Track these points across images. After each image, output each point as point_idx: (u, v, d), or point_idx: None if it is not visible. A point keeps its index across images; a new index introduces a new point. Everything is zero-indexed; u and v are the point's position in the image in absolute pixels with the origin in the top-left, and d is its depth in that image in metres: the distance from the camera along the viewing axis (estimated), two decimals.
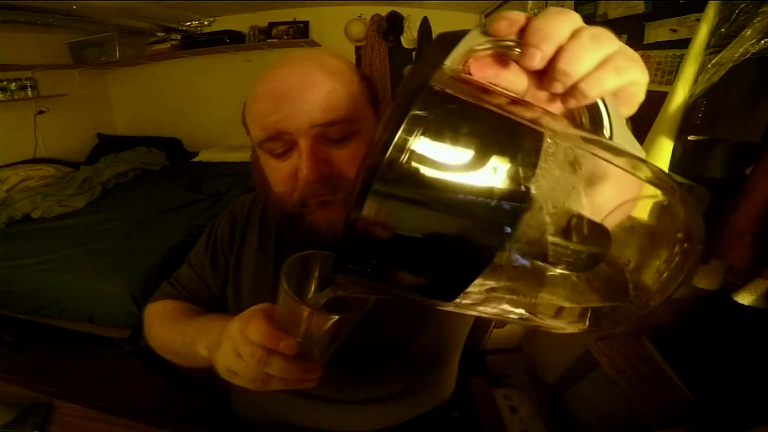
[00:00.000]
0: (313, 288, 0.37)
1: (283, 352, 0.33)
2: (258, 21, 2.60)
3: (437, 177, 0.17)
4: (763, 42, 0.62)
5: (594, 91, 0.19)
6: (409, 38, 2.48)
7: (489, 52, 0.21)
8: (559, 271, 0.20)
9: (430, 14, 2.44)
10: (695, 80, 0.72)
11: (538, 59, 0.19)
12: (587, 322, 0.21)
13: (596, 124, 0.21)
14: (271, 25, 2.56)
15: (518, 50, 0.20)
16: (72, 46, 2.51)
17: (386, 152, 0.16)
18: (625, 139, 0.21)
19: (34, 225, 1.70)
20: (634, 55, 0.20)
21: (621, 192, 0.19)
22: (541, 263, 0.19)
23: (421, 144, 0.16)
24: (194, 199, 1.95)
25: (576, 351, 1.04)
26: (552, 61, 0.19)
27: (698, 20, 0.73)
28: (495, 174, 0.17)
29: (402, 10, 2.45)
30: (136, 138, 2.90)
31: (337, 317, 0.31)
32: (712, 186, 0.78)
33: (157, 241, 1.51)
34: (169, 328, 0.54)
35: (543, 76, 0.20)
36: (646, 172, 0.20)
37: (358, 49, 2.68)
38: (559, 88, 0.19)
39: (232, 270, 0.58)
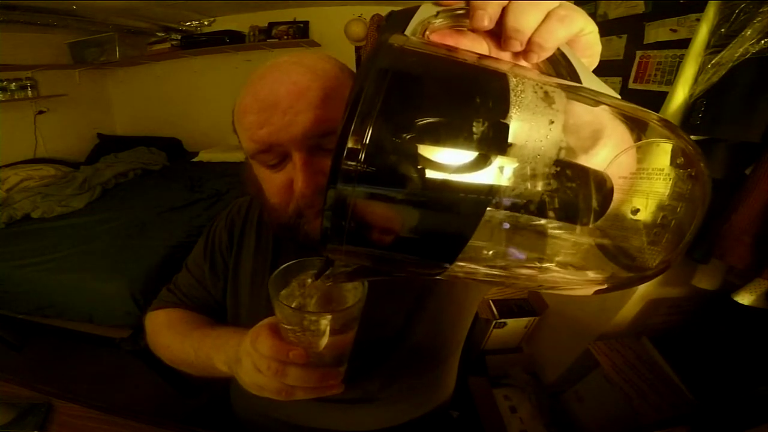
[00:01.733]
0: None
1: (294, 361, 0.33)
2: (258, 21, 2.60)
3: (410, 132, 0.16)
4: (763, 42, 0.62)
5: (549, 42, 0.20)
6: None
7: (445, 23, 0.21)
8: (555, 225, 0.18)
9: None
10: (695, 80, 0.72)
11: (486, 20, 0.20)
12: (599, 283, 0.20)
13: (564, 77, 0.21)
14: (271, 25, 2.56)
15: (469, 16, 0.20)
16: (72, 46, 2.51)
17: (355, 111, 0.16)
18: (597, 86, 0.21)
19: (34, 225, 1.70)
20: (575, 7, 0.21)
21: (614, 142, 0.19)
22: (537, 218, 0.18)
23: (390, 99, 0.16)
24: (194, 199, 1.95)
25: (576, 351, 1.04)
26: (501, 21, 0.20)
27: (698, 20, 0.73)
28: (467, 120, 0.17)
29: None
30: (136, 138, 2.90)
31: (329, 315, 0.32)
32: (712, 186, 0.78)
33: (157, 241, 1.51)
34: (181, 342, 0.54)
35: (498, 37, 0.21)
36: (650, 116, 0.20)
37: (358, 49, 2.68)
38: (516, 45, 0.21)
39: (231, 273, 0.58)
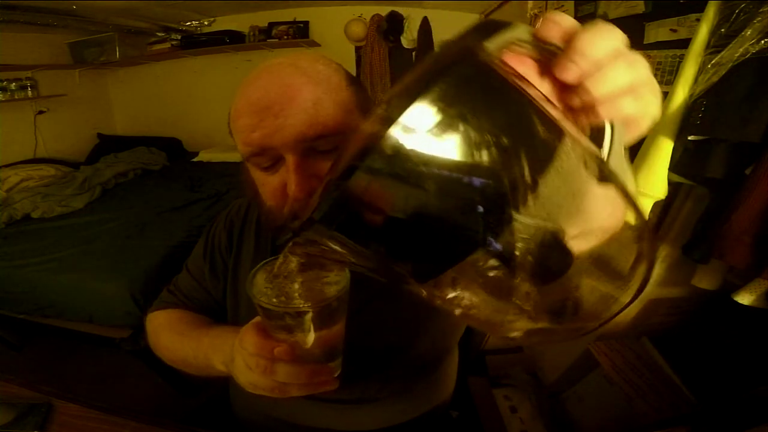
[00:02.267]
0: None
1: (281, 357, 0.33)
2: (258, 21, 2.60)
3: (445, 152, 0.15)
4: (763, 42, 0.62)
5: (608, 114, 0.19)
6: (409, 38, 2.47)
7: (526, 51, 0.20)
8: (522, 278, 0.19)
9: (430, 14, 2.43)
10: (695, 80, 0.72)
11: (574, 75, 0.18)
12: (524, 333, 0.21)
13: (596, 143, 0.20)
14: (271, 25, 2.56)
15: (556, 58, 0.19)
16: (72, 46, 2.51)
17: (409, 105, 0.15)
18: (620, 166, 0.21)
19: (34, 225, 1.70)
20: (658, 90, 0.20)
21: (599, 217, 0.19)
22: (509, 267, 0.18)
23: (465, 107, 0.15)
24: (194, 199, 1.95)
25: (576, 351, 1.04)
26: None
27: (698, 20, 0.73)
28: (505, 158, 0.16)
29: (402, 10, 2.45)
30: (136, 138, 2.90)
31: (309, 310, 0.31)
32: (712, 186, 0.78)
33: (157, 241, 1.51)
34: (180, 342, 0.54)
35: (564, 85, 0.20)
36: (630, 207, 0.20)
37: (358, 49, 2.68)
38: (576, 102, 0.19)
39: (230, 274, 0.58)
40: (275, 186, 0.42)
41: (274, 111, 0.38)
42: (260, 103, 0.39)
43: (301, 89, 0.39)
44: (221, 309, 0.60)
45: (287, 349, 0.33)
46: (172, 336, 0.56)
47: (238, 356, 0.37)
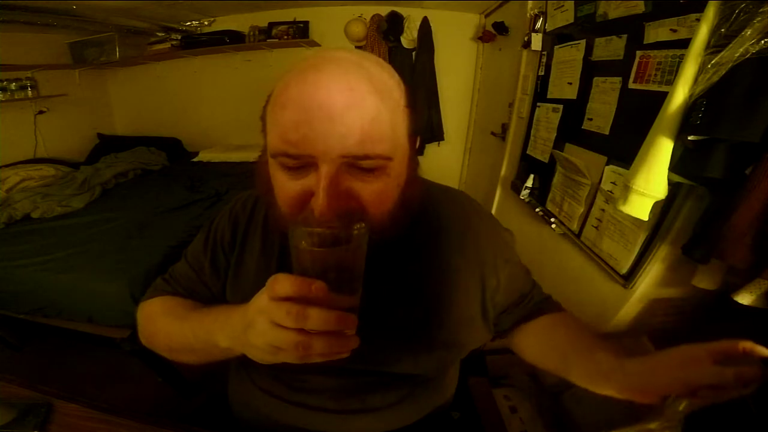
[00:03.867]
0: None
1: (317, 294, 0.31)
2: (258, 21, 2.60)
3: None
4: (763, 42, 0.62)
5: None
6: (409, 38, 2.47)
7: None
8: None
9: (430, 14, 2.43)
10: (695, 80, 0.72)
11: None
12: None
13: None
14: (271, 25, 2.56)
15: None
16: (72, 46, 2.51)
17: None
18: None
19: (34, 225, 1.70)
20: None
21: None
22: None
23: None
24: (194, 199, 1.95)
25: None
26: None
27: (698, 20, 0.72)
28: None
29: (402, 10, 2.45)
30: (136, 138, 2.90)
31: (363, 228, 0.33)
32: (712, 186, 0.78)
33: (157, 241, 1.51)
34: (179, 325, 0.51)
35: None
36: None
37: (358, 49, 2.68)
38: None
39: (232, 272, 0.56)
40: (296, 192, 0.38)
41: (328, 114, 0.34)
42: (314, 100, 0.34)
43: (365, 98, 0.35)
44: (218, 302, 0.58)
45: (322, 285, 0.31)
46: (170, 321, 0.53)
47: (259, 316, 0.34)
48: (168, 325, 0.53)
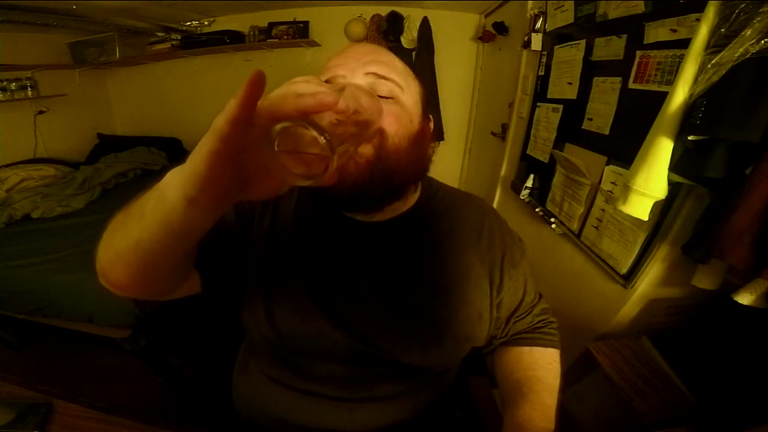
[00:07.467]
0: None
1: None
2: (258, 21, 2.60)
3: None
4: (763, 42, 0.62)
5: None
6: (409, 38, 2.47)
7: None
8: None
9: (430, 14, 2.43)
10: (695, 80, 0.72)
11: None
12: None
13: None
14: (271, 25, 2.56)
15: None
16: (72, 46, 2.51)
17: None
18: None
19: (34, 225, 1.70)
20: None
21: None
22: None
23: None
24: None
25: (576, 351, 1.04)
26: None
27: (698, 20, 0.72)
28: None
29: (402, 10, 2.45)
30: (136, 138, 2.90)
31: None
32: (712, 186, 0.78)
33: None
34: (125, 212, 0.41)
35: None
36: None
37: None
38: None
39: (266, 239, 0.53)
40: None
41: (357, 56, 0.48)
42: (353, 52, 0.49)
43: (383, 51, 0.51)
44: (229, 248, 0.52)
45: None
46: (121, 215, 0.42)
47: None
48: (117, 220, 0.42)
